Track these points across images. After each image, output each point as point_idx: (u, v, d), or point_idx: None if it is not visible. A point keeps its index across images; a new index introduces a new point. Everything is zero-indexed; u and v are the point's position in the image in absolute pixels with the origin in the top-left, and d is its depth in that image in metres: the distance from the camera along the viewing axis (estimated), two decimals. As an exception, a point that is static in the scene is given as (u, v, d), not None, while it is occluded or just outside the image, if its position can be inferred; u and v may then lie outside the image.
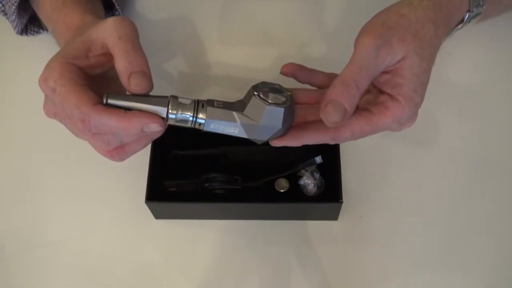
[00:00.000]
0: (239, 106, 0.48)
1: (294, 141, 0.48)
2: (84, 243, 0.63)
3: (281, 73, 0.53)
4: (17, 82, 0.73)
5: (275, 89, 0.49)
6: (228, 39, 0.73)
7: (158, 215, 0.63)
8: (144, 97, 0.47)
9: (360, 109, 0.48)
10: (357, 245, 0.61)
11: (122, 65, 0.46)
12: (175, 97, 0.47)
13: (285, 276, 0.60)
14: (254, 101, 0.47)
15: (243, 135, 0.48)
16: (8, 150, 0.69)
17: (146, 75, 0.47)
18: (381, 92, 0.48)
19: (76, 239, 0.63)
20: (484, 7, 0.51)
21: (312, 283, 0.60)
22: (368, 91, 0.49)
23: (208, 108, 0.47)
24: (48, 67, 0.48)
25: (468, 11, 0.50)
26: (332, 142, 0.49)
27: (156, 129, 0.46)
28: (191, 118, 0.47)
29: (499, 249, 0.61)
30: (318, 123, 0.48)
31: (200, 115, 0.47)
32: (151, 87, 0.47)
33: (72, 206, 0.64)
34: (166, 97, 0.47)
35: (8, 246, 0.63)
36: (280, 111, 0.47)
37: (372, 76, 0.46)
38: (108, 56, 0.49)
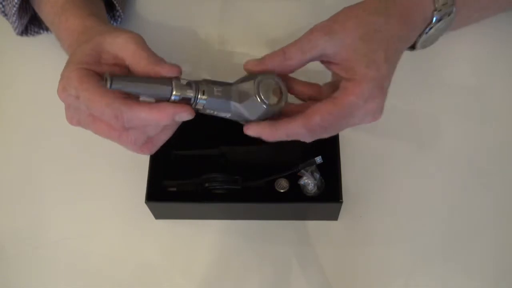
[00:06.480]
0: (236, 92, 0.49)
1: (270, 136, 0.49)
2: (84, 243, 0.63)
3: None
4: (18, 82, 0.73)
5: (272, 84, 0.49)
6: (228, 39, 0.73)
7: (158, 215, 0.63)
8: (147, 81, 0.47)
9: (327, 97, 0.50)
10: (357, 245, 0.61)
11: (149, 60, 0.48)
12: (177, 79, 0.47)
13: (285, 276, 0.60)
14: (254, 101, 0.48)
15: (233, 118, 0.50)
16: (9, 150, 0.69)
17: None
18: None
19: (76, 239, 0.63)
20: (454, 8, 0.53)
21: (312, 283, 0.60)
22: (334, 86, 0.52)
23: (208, 98, 0.48)
24: (64, 77, 0.49)
25: (435, 10, 0.52)
26: (305, 131, 0.49)
27: (187, 117, 0.47)
28: (192, 100, 0.47)
29: (500, 249, 0.61)
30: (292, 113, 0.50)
31: (200, 102, 0.48)
32: (181, 72, 0.49)
33: (72, 206, 0.64)
34: (169, 79, 0.47)
35: (8, 246, 0.63)
36: (274, 111, 0.49)
37: (301, 48, 0.49)
38: (120, 67, 0.50)
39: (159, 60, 0.49)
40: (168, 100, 0.47)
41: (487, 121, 0.67)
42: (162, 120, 0.47)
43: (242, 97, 0.48)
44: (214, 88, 0.48)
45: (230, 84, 0.49)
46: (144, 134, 0.49)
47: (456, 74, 0.70)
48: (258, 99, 0.48)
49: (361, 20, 0.49)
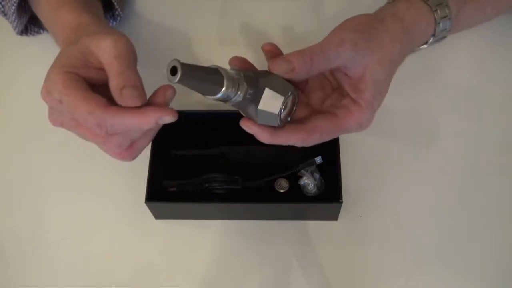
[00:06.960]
0: (263, 99, 0.47)
1: (266, 140, 0.49)
2: (84, 243, 0.63)
3: (263, 49, 0.52)
4: (18, 82, 0.73)
5: (291, 105, 0.49)
6: (228, 39, 0.73)
7: (158, 215, 0.63)
8: (202, 78, 0.45)
9: (326, 113, 0.51)
10: (357, 245, 0.61)
11: (115, 82, 0.46)
12: (226, 72, 0.45)
13: (285, 276, 0.60)
14: (273, 116, 0.47)
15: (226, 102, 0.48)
16: (8, 150, 0.69)
17: (138, 88, 0.47)
18: (344, 96, 0.51)
19: (76, 239, 0.63)
20: (449, 31, 0.55)
21: (312, 283, 0.60)
22: (331, 94, 0.52)
23: (240, 99, 0.46)
24: (49, 79, 0.48)
25: (433, 35, 0.55)
26: (300, 145, 0.50)
27: (170, 120, 0.47)
28: (232, 96, 0.46)
29: (499, 249, 0.61)
30: (294, 124, 0.50)
31: (230, 100, 0.46)
32: (144, 99, 0.47)
33: (72, 206, 0.64)
34: (216, 70, 0.45)
35: (8, 246, 0.63)
36: (280, 125, 0.48)
37: (328, 59, 0.48)
38: (105, 71, 0.49)
39: (123, 86, 0.46)
40: (217, 93, 0.45)
41: (487, 121, 0.67)
42: (145, 125, 0.46)
43: (264, 106, 0.47)
44: (249, 91, 0.47)
45: (258, 85, 0.47)
46: (128, 138, 0.49)
47: (456, 74, 0.70)
48: (277, 114, 0.47)
49: (383, 45, 0.49)
